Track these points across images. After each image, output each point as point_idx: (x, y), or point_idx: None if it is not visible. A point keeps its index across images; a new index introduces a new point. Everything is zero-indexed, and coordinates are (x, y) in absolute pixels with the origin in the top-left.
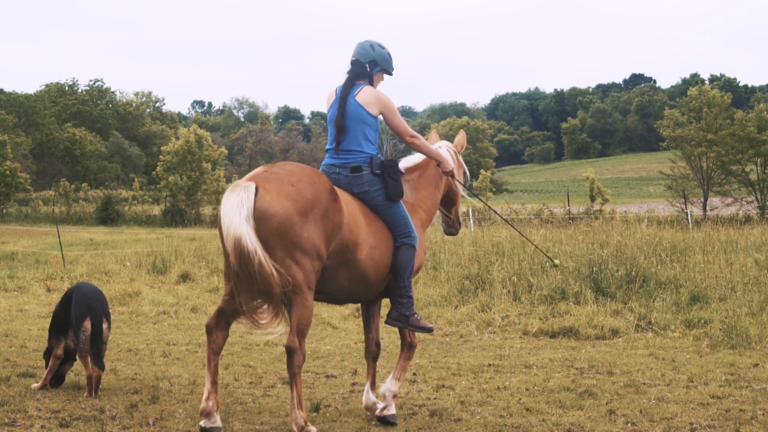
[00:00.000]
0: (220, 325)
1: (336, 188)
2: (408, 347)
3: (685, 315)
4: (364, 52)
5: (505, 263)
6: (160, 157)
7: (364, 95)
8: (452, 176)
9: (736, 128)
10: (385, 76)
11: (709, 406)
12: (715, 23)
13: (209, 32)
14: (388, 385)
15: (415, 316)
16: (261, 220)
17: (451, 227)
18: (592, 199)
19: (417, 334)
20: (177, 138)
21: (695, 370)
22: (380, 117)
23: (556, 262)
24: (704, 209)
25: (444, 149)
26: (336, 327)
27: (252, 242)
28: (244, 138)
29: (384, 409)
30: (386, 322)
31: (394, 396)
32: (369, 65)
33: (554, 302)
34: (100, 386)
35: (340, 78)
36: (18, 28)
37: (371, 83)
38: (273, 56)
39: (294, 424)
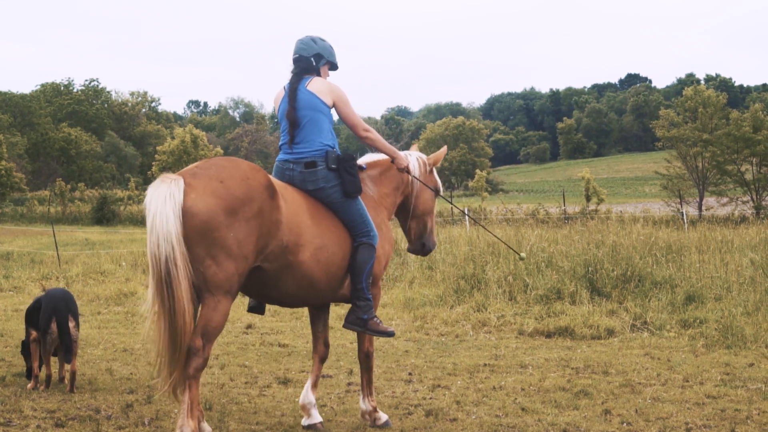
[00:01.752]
0: None
1: (277, 185)
2: (365, 357)
3: (681, 315)
4: (306, 46)
5: (500, 263)
6: (156, 156)
7: (315, 84)
8: (407, 172)
9: (731, 128)
10: (331, 72)
11: (704, 406)
12: (712, 24)
13: (205, 32)
14: (363, 406)
15: (375, 319)
16: (184, 218)
17: (411, 244)
18: (588, 199)
19: (381, 339)
20: (173, 138)
21: (691, 370)
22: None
23: (523, 255)
24: (700, 209)
25: (413, 158)
26: (331, 327)
27: (176, 240)
28: (240, 138)
29: (374, 422)
30: (344, 326)
31: (375, 409)
32: (314, 59)
33: (550, 302)
34: (75, 383)
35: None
36: (16, 29)
37: (319, 77)
38: (269, 56)
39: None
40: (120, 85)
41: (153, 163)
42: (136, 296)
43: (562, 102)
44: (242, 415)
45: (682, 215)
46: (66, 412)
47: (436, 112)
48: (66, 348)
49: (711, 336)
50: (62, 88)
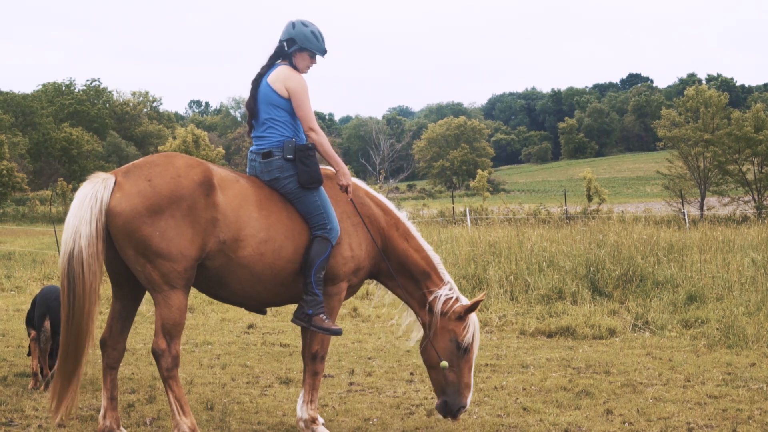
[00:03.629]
0: (114, 337)
1: (221, 179)
2: (311, 359)
3: (682, 314)
4: (285, 30)
5: (502, 263)
6: None
7: (274, 74)
8: (345, 191)
9: (732, 128)
10: (319, 59)
11: (706, 406)
12: (713, 24)
13: (206, 32)
14: (300, 413)
15: (321, 316)
16: (109, 218)
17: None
18: (589, 198)
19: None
20: (174, 138)
21: (692, 370)
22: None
23: (444, 363)
24: (701, 209)
25: (443, 292)
26: None
27: (85, 240)
28: (242, 138)
29: None
30: (292, 320)
31: (313, 421)
32: (287, 44)
33: (551, 302)
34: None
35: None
36: (17, 28)
37: (292, 64)
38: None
39: (175, 430)
40: (121, 85)
41: None
42: None
43: (563, 102)
44: (244, 414)
45: (684, 215)
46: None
47: (438, 112)
48: (57, 347)
49: (712, 336)
50: (64, 88)
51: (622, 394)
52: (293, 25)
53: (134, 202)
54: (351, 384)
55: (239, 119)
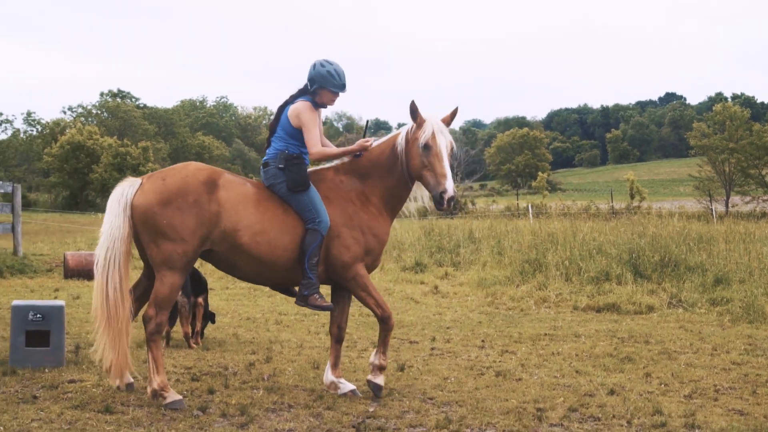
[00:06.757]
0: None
1: (226, 182)
2: (380, 320)
3: (710, 294)
4: (309, 71)
5: (558, 250)
6: None
7: (292, 108)
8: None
9: (753, 138)
10: (342, 94)
11: (730, 371)
12: (738, 49)
13: (313, 57)
14: (372, 358)
15: (315, 296)
16: (131, 211)
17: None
18: (632, 197)
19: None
20: None
21: (718, 341)
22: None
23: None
24: (726, 206)
25: (403, 131)
26: (418, 301)
27: (118, 236)
28: (342, 145)
29: (371, 375)
30: (296, 303)
31: (381, 368)
32: (309, 83)
33: (600, 283)
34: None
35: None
36: (159, 54)
37: (314, 100)
38: (365, 75)
39: (149, 386)
40: (245, 101)
41: None
42: None
43: (610, 116)
44: (343, 373)
45: (712, 211)
46: (200, 368)
47: (505, 123)
48: (195, 313)
49: (736, 312)
50: (198, 103)
51: (659, 360)
52: (314, 66)
53: (149, 197)
54: (432, 349)
55: (341, 129)
